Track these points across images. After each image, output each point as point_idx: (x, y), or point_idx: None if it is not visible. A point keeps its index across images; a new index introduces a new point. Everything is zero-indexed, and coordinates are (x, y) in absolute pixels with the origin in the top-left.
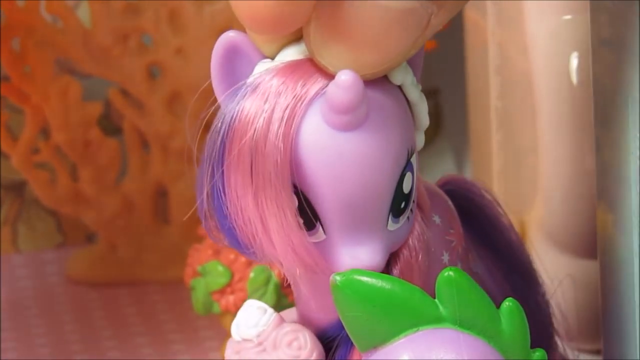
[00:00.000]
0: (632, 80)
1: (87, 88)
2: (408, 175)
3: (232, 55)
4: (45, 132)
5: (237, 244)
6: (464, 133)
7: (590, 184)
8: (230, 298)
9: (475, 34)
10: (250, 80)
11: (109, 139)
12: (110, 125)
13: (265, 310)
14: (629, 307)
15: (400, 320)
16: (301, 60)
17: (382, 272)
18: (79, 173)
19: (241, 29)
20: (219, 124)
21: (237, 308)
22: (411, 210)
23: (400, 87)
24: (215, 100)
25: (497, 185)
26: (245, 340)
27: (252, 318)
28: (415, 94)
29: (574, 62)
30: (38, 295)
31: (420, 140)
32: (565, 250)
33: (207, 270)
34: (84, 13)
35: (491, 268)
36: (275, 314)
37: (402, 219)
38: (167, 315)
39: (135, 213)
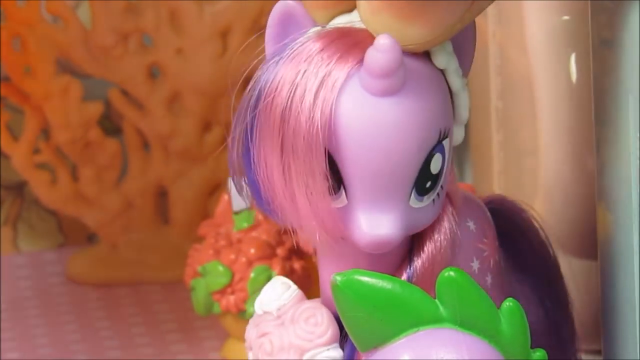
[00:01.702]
0: (631, 80)
1: (87, 88)
2: (437, 156)
3: (286, 21)
4: (45, 133)
5: (260, 200)
6: (465, 133)
7: (590, 184)
8: (231, 298)
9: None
10: (292, 44)
11: (109, 139)
12: (110, 125)
13: (289, 286)
14: (629, 307)
15: (401, 320)
16: (347, 28)
17: (405, 263)
18: (80, 173)
19: (243, 29)
20: (257, 81)
21: (238, 308)
22: (438, 194)
23: (444, 74)
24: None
25: (497, 185)
26: (266, 312)
27: (275, 292)
28: (457, 82)
29: (574, 62)
30: (39, 295)
31: (459, 134)
32: (565, 250)
33: (208, 271)
34: (84, 13)
35: (527, 293)
36: (298, 291)
37: (427, 200)
38: (168, 316)
39: (136, 213)
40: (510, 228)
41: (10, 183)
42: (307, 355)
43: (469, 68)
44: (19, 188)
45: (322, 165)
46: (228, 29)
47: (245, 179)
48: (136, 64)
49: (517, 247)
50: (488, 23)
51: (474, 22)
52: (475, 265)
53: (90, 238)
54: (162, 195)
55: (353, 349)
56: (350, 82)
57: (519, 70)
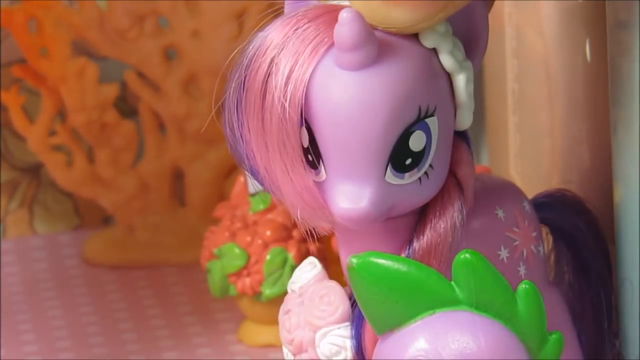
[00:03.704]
0: None
1: (103, 70)
2: (418, 134)
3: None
4: (61, 115)
5: (254, 174)
6: (481, 115)
7: (607, 166)
8: (247, 280)
9: (492, 16)
10: (284, 14)
11: (125, 121)
12: (126, 107)
13: (315, 266)
14: None
15: (417, 303)
16: (334, 6)
17: (405, 245)
18: (95, 155)
19: (259, 10)
20: (245, 51)
21: (253, 291)
22: (426, 174)
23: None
24: None
25: (514, 167)
26: (292, 291)
27: (301, 272)
28: (449, 63)
29: (590, 44)
30: (54, 277)
31: (464, 118)
32: None
33: (224, 253)
34: None
35: (571, 297)
36: (320, 270)
37: (409, 178)
38: (183, 298)
39: (152, 195)
40: (567, 225)
41: (26, 165)
42: (319, 333)
43: (481, 52)
44: (35, 170)
45: (296, 140)
46: (244, 10)
47: (239, 154)
48: (152, 45)
49: (575, 245)
50: (504, 5)
51: (484, 6)
52: (504, 253)
53: (106, 220)
54: (178, 177)
55: (359, 328)
56: (324, 58)
57: (535, 52)
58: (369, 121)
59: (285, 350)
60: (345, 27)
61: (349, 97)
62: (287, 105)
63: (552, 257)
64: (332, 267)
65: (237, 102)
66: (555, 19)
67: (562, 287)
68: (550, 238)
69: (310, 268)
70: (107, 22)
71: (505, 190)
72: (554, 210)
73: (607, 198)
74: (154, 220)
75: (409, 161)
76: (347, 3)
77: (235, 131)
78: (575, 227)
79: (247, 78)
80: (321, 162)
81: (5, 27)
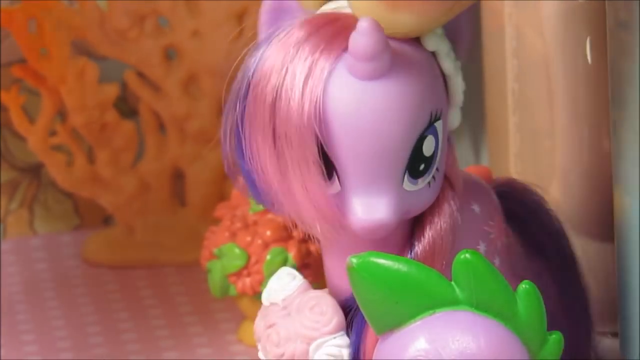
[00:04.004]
0: None
1: (103, 70)
2: (430, 138)
3: (278, 10)
4: (61, 115)
5: (256, 191)
6: (481, 115)
7: (607, 166)
8: (247, 280)
9: (492, 16)
10: (279, 32)
11: (125, 121)
12: (126, 107)
13: (295, 277)
14: None
15: (417, 303)
16: (334, 14)
17: (406, 248)
18: (96, 155)
19: (258, 10)
20: (245, 71)
21: (254, 291)
22: (434, 177)
23: (436, 57)
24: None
25: (514, 167)
26: (272, 304)
27: (281, 283)
28: (448, 65)
29: (590, 44)
30: (55, 277)
31: (455, 118)
32: (581, 233)
33: (224, 253)
34: None
35: (544, 277)
36: (303, 281)
37: (422, 183)
38: (184, 298)
39: (152, 195)
40: (521, 211)
41: (27, 165)
42: (314, 344)
43: (465, 52)
44: (35, 170)
45: (314, 152)
46: (244, 10)
47: (240, 170)
48: (152, 45)
49: (529, 230)
50: (504, 5)
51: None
52: (482, 247)
53: (107, 220)
54: (178, 177)
55: (359, 336)
56: (337, 68)
57: (535, 52)
58: (388, 131)
59: None
60: (365, 37)
61: (366, 107)
62: (303, 118)
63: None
64: None
65: (243, 119)
66: (555, 19)
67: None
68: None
69: (290, 279)
70: (107, 22)
71: (475, 185)
72: (509, 199)
73: (606, 199)
74: (154, 220)
75: (422, 166)
76: (347, 10)
77: (240, 150)
78: (532, 214)
79: (255, 93)
80: (334, 174)
81: (6, 27)
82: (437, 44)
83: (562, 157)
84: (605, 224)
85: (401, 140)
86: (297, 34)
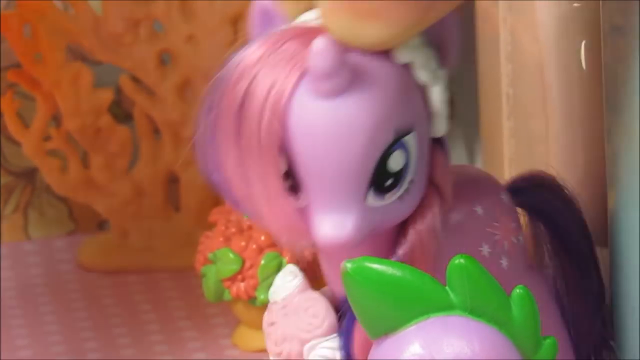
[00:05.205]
0: None
1: (98, 75)
2: (397, 153)
3: (264, 18)
4: (56, 119)
5: (231, 198)
6: (475, 120)
7: (601, 171)
8: (241, 285)
9: (487, 21)
10: (254, 40)
11: (120, 126)
12: (121, 112)
13: (296, 276)
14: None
15: (411, 308)
16: (304, 28)
17: (391, 249)
18: (90, 160)
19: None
20: (217, 81)
21: (248, 295)
22: (407, 190)
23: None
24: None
25: (508, 172)
26: (275, 302)
27: (282, 281)
28: (425, 75)
29: (585, 48)
30: (49, 282)
31: (439, 126)
32: None
33: (218, 257)
34: (95, 0)
35: (554, 278)
36: (302, 280)
37: (390, 197)
38: (178, 303)
39: (146, 200)
40: (545, 206)
41: (21, 170)
42: (307, 346)
43: (453, 59)
44: (30, 175)
45: (275, 166)
46: (239, 16)
47: (212, 178)
48: (147, 50)
49: (552, 225)
50: (499, 10)
51: (455, 12)
52: (486, 249)
53: (101, 225)
54: (172, 182)
55: (347, 339)
56: (300, 84)
57: (530, 57)
58: (347, 149)
59: None
60: (318, 55)
61: (325, 125)
62: (264, 133)
63: (531, 240)
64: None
65: (212, 131)
66: (550, 24)
67: (543, 268)
68: (527, 220)
69: (292, 278)
70: (102, 27)
71: (482, 185)
72: (532, 193)
73: (601, 203)
74: (148, 225)
75: (389, 182)
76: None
77: (211, 158)
78: (554, 208)
79: (222, 105)
80: (301, 189)
81: (1, 32)
82: (410, 55)
83: (557, 162)
84: (599, 229)
85: (361, 158)
86: (270, 45)
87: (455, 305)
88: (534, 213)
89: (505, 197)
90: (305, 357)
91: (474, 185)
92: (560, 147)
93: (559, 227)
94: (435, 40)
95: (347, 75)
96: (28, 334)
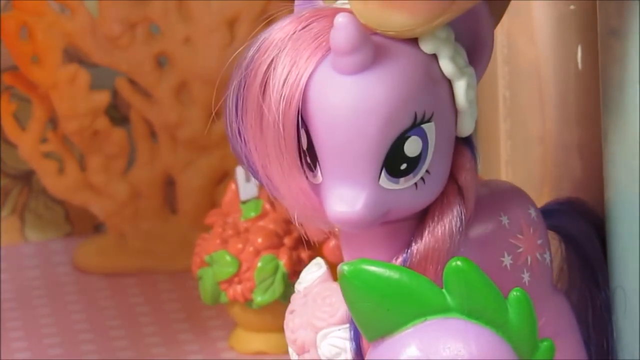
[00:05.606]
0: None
1: (94, 77)
2: (414, 139)
3: None
4: (53, 122)
5: (252, 172)
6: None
7: (598, 174)
8: (238, 288)
9: None
10: (287, 17)
11: (116, 128)
12: (118, 114)
13: (320, 267)
14: (638, 296)
15: (408, 310)
16: (333, 9)
17: (404, 249)
18: (87, 162)
19: (251, 18)
20: (249, 48)
21: (245, 298)
22: (423, 179)
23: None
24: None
25: (505, 174)
26: (298, 292)
27: (307, 272)
28: (449, 68)
29: (582, 51)
30: (46, 284)
31: (465, 125)
32: None
33: (215, 260)
34: (91, 2)
35: (583, 304)
36: (325, 271)
37: (405, 183)
38: (175, 305)
39: (143, 203)
40: (580, 232)
41: (18, 172)
42: (320, 334)
43: (486, 60)
44: (26, 177)
45: (293, 143)
46: (236, 18)
47: (240, 154)
48: (144, 53)
49: (585, 252)
50: None
51: (490, 14)
52: (507, 260)
53: (98, 227)
54: (169, 184)
55: (358, 331)
56: (322, 62)
57: (526, 59)
58: (364, 126)
59: (290, 349)
60: (341, 31)
61: (344, 101)
62: (283, 107)
63: (565, 265)
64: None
65: (237, 101)
66: (547, 26)
67: (573, 294)
68: (562, 245)
69: (316, 269)
70: (99, 29)
71: (511, 197)
72: (565, 217)
73: (598, 206)
74: (145, 227)
75: (404, 166)
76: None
77: (235, 130)
78: (585, 235)
79: (247, 77)
80: (318, 165)
81: None
82: (436, 46)
83: (554, 164)
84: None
85: (377, 137)
86: (297, 22)
87: (452, 308)
88: (567, 238)
89: (534, 212)
90: (317, 345)
91: (503, 196)
92: (557, 149)
93: (589, 256)
94: (468, 39)
95: (369, 52)
96: (25, 336)
